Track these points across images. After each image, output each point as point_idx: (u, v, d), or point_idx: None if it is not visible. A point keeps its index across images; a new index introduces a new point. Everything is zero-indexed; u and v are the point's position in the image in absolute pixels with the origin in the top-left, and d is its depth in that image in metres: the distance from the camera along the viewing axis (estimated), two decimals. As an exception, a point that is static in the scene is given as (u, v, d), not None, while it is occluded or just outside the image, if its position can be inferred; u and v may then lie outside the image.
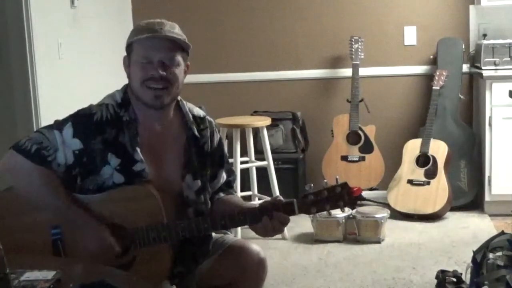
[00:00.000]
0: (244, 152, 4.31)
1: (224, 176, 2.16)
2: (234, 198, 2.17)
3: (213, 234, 2.15)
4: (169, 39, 1.93)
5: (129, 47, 1.98)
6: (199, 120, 2.09)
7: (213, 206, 2.10)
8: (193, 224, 1.88)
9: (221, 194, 2.15)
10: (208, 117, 2.13)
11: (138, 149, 1.94)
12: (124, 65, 2.02)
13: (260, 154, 4.28)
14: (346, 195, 1.85)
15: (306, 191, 1.90)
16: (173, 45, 1.95)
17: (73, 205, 1.88)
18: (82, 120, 1.94)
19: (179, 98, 2.06)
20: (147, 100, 1.94)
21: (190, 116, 2.06)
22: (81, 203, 1.90)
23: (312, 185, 1.96)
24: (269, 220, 1.85)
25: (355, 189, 1.85)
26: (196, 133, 2.05)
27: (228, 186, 2.18)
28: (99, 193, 1.92)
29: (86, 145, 1.91)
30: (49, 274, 1.51)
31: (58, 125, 1.94)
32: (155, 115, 1.99)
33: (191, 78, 4.98)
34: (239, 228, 3.94)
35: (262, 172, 4.27)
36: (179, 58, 1.96)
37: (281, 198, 1.92)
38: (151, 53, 1.92)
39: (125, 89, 2.02)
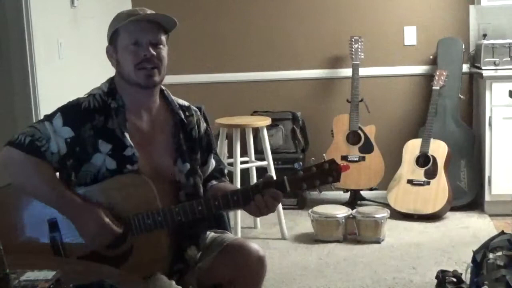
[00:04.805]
0: (244, 152, 4.30)
1: (213, 162, 2.19)
2: (227, 184, 2.20)
3: (213, 233, 2.16)
4: (152, 21, 1.99)
5: (113, 35, 2.02)
6: (184, 108, 2.13)
7: (207, 194, 2.11)
8: (187, 207, 1.89)
9: (214, 182, 2.17)
10: (193, 106, 2.17)
11: (127, 134, 1.97)
12: (108, 55, 2.05)
13: (260, 154, 4.28)
14: (334, 171, 1.88)
15: (296, 169, 1.95)
16: (157, 27, 2.01)
17: (68, 192, 1.89)
18: (70, 109, 1.98)
19: (163, 87, 2.10)
20: (140, 80, 1.97)
21: (176, 103, 2.11)
22: (76, 192, 1.91)
23: (300, 163, 2.00)
24: (261, 197, 1.88)
25: (342, 165, 1.89)
26: (183, 117, 2.09)
27: (221, 173, 2.21)
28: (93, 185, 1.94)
29: (77, 133, 1.93)
30: (49, 274, 1.50)
31: (48, 116, 1.98)
32: (144, 99, 2.02)
33: (191, 78, 5.07)
34: (239, 228, 3.95)
35: (262, 172, 4.26)
36: (163, 38, 2.02)
37: (272, 175, 1.96)
38: (140, 35, 1.97)
39: (111, 80, 2.06)
